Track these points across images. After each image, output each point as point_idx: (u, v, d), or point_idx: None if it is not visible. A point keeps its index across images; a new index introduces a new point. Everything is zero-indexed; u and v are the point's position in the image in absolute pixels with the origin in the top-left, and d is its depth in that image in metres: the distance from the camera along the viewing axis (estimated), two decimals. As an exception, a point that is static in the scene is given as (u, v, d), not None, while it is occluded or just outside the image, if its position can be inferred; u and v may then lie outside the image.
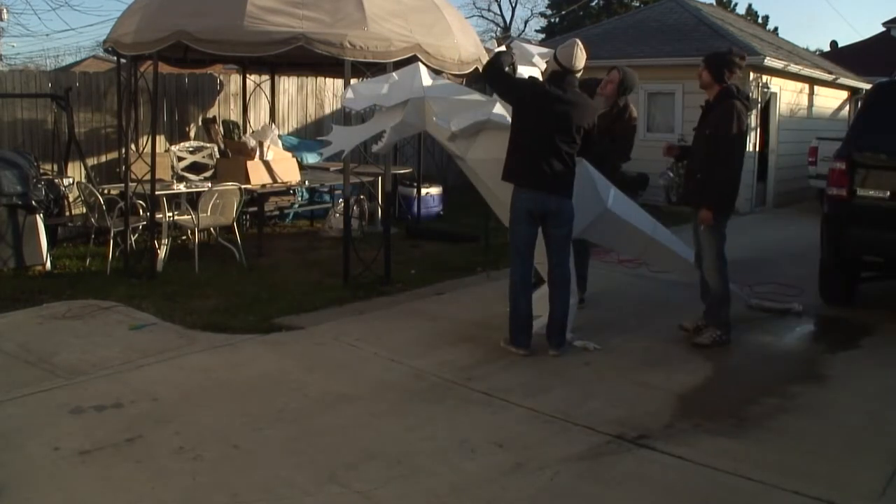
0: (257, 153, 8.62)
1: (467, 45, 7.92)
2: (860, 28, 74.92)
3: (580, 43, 4.98)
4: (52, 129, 8.75)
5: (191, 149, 9.47)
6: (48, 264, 7.20)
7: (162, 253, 7.33)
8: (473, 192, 5.87)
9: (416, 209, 10.31)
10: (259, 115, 10.98)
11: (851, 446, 3.95)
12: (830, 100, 16.16)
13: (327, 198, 10.56)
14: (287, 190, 9.20)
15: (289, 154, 9.36)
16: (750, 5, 36.93)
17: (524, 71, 5.44)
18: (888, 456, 3.82)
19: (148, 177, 7.06)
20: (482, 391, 4.49)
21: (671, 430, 4.05)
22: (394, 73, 5.59)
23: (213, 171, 9.07)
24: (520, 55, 5.52)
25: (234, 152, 9.07)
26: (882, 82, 6.97)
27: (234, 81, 10.82)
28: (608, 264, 7.87)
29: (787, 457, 3.77)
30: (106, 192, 7.62)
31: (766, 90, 12.68)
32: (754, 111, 12.01)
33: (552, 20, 32.64)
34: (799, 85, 14.33)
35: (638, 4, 27.43)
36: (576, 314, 5.44)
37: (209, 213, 7.51)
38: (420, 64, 5.76)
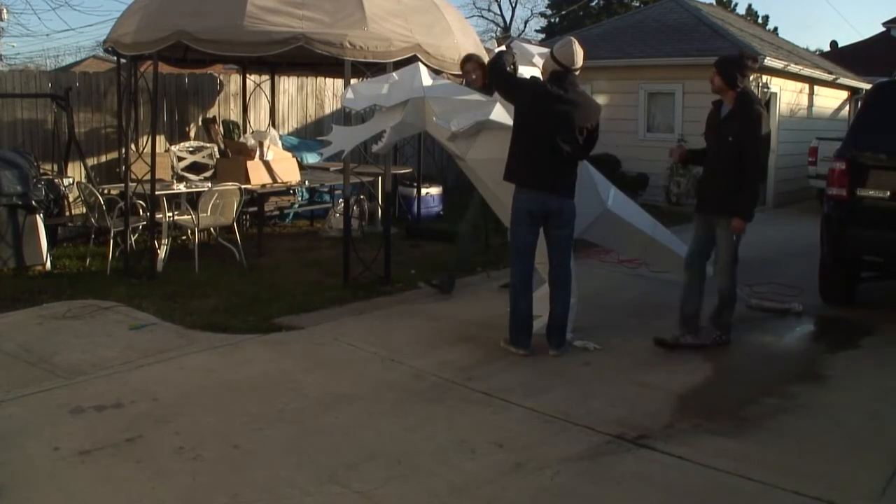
0: (257, 153, 8.62)
1: (467, 45, 7.92)
2: (860, 28, 74.95)
3: (577, 41, 4.98)
4: (52, 129, 8.75)
5: (191, 149, 9.47)
6: (48, 264, 7.20)
7: (162, 253, 7.33)
8: (473, 192, 5.87)
9: (416, 209, 10.31)
10: (259, 115, 10.99)
11: (851, 446, 3.95)
12: (830, 100, 16.17)
13: (327, 198, 10.56)
14: (287, 190, 9.20)
15: (289, 154, 9.36)
16: (750, 5, 36.98)
17: (524, 71, 5.44)
18: (888, 456, 3.82)
19: (148, 177, 7.06)
20: (482, 391, 4.49)
21: (671, 430, 4.05)
22: (394, 73, 5.60)
23: (213, 171, 9.07)
24: (520, 55, 5.52)
25: (234, 152, 9.07)
26: (882, 82, 6.97)
27: (234, 81, 10.82)
28: (608, 264, 7.87)
29: (786, 457, 3.77)
30: (106, 192, 7.62)
31: (766, 90, 12.68)
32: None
33: (552, 20, 32.64)
34: (799, 85, 14.34)
35: (638, 4, 27.43)
36: (576, 314, 5.44)
37: (209, 213, 7.51)
38: (420, 64, 5.76)
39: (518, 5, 56.24)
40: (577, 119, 4.95)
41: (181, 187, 7.82)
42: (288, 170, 8.82)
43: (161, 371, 4.70)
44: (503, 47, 5.51)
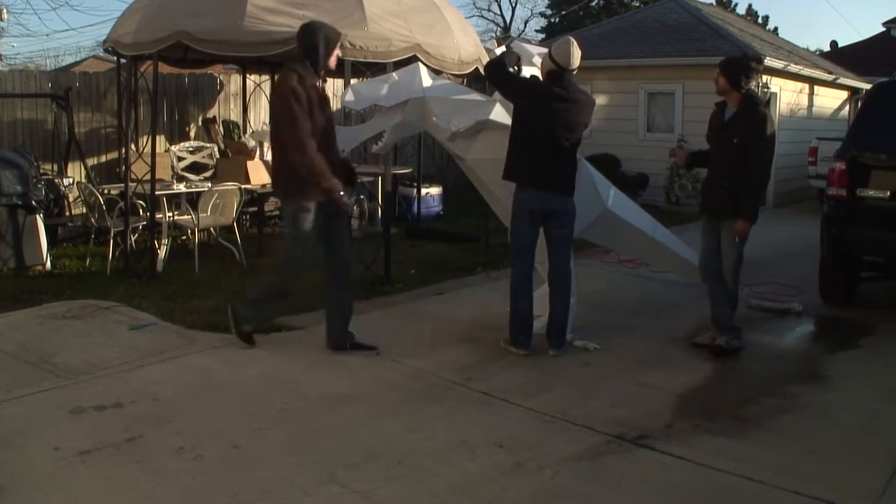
0: (257, 153, 8.63)
1: (467, 45, 7.92)
2: (860, 28, 74.98)
3: (574, 41, 4.98)
4: (52, 129, 8.75)
5: (191, 149, 9.48)
6: (48, 264, 7.20)
7: (162, 253, 7.33)
8: (473, 192, 5.88)
9: (416, 209, 10.31)
10: (259, 115, 10.98)
11: (851, 446, 3.95)
12: (830, 100, 16.17)
13: (327, 198, 10.54)
14: (287, 190, 9.18)
15: (289, 154, 9.35)
16: (750, 5, 36.99)
17: (525, 71, 5.43)
18: (888, 456, 3.82)
19: (148, 177, 7.06)
20: (482, 391, 4.49)
21: (671, 430, 4.05)
22: (394, 73, 5.60)
23: (213, 171, 9.07)
24: (519, 55, 5.52)
25: (234, 152, 9.08)
26: (882, 82, 6.97)
27: (234, 81, 10.83)
28: (608, 264, 7.87)
29: (786, 457, 3.77)
30: (106, 192, 7.62)
31: (766, 90, 12.69)
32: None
33: (552, 20, 32.63)
34: (799, 85, 14.34)
35: (638, 4, 27.43)
36: (576, 314, 5.43)
37: (209, 213, 7.51)
38: (420, 64, 5.76)
39: (518, 5, 56.26)
40: (575, 116, 4.96)
41: (181, 187, 7.82)
42: (288, 170, 8.81)
43: (161, 371, 4.70)
44: (504, 47, 5.50)
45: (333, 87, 11.83)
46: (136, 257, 7.37)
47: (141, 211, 7.70)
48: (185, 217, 7.52)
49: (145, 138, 7.89)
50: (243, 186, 7.80)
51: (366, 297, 6.47)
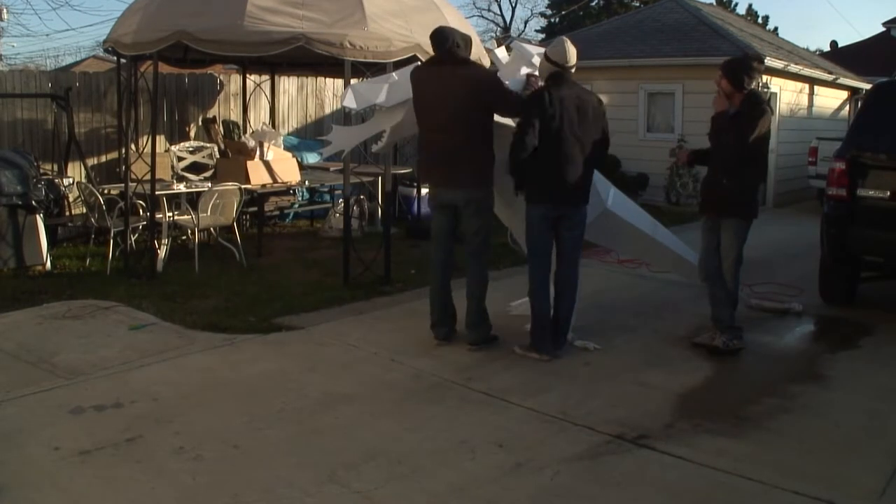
0: (257, 153, 8.63)
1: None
2: (860, 28, 74.99)
3: (567, 39, 4.99)
4: (52, 129, 8.75)
5: (191, 149, 9.48)
6: (48, 264, 7.20)
7: (162, 253, 7.33)
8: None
9: (416, 209, 10.31)
10: (259, 115, 10.99)
11: (851, 446, 3.95)
12: (830, 100, 16.17)
13: (327, 198, 10.57)
14: (287, 190, 9.21)
15: (289, 154, 9.37)
16: (750, 5, 36.98)
17: (523, 71, 5.42)
18: (888, 456, 3.82)
19: (148, 177, 7.06)
20: (482, 391, 4.49)
21: (671, 430, 4.05)
22: (393, 73, 5.59)
23: (213, 171, 9.07)
24: (519, 56, 5.51)
25: (234, 152, 9.08)
26: (882, 82, 6.97)
27: (234, 81, 10.83)
28: (608, 264, 7.87)
29: (786, 457, 3.77)
30: (106, 192, 7.62)
31: (765, 90, 12.69)
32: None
33: (552, 20, 32.63)
34: (799, 85, 14.34)
35: (638, 4, 27.42)
36: (576, 314, 5.43)
37: (209, 213, 7.51)
38: (420, 64, 5.75)
39: (518, 5, 56.25)
40: (580, 120, 4.90)
41: (181, 187, 7.82)
42: (288, 170, 8.83)
43: (161, 371, 4.70)
44: (503, 47, 5.49)
45: (333, 87, 11.87)
46: (136, 257, 7.37)
47: (141, 211, 7.70)
48: (185, 217, 7.52)
49: (145, 138, 7.89)
50: (243, 186, 7.80)
51: (366, 297, 6.47)
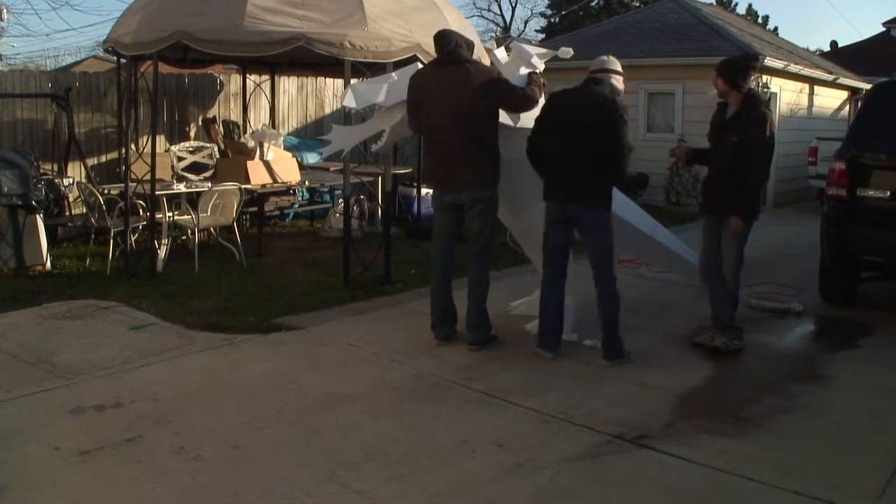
0: (257, 153, 8.63)
1: (467, 45, 7.91)
2: (860, 28, 75.03)
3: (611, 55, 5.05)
4: (52, 129, 8.76)
5: (191, 149, 9.48)
6: (48, 264, 7.20)
7: (162, 253, 7.33)
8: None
9: (416, 209, 10.31)
10: (259, 115, 10.99)
11: (851, 446, 3.95)
12: (830, 100, 16.17)
13: (327, 198, 10.57)
14: (287, 190, 9.21)
15: (289, 154, 9.37)
16: (750, 5, 37.00)
17: (524, 71, 5.42)
18: (888, 456, 3.82)
19: (148, 177, 7.06)
20: (482, 391, 4.49)
21: (671, 430, 4.05)
22: (393, 73, 5.59)
23: (213, 171, 9.07)
24: (518, 56, 5.51)
25: (234, 152, 9.08)
26: (882, 82, 6.97)
27: (234, 81, 10.83)
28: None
29: (786, 457, 3.77)
30: (106, 192, 7.62)
31: (766, 90, 12.69)
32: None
33: (552, 20, 32.64)
34: (799, 85, 14.34)
35: (638, 4, 27.42)
36: (575, 314, 5.44)
37: (209, 213, 7.51)
38: (419, 64, 5.76)
39: (518, 5, 56.26)
40: (581, 121, 4.84)
41: (181, 187, 7.82)
42: (288, 170, 8.83)
43: (161, 371, 4.70)
44: (503, 48, 5.49)
45: (333, 87, 11.87)
46: (136, 257, 7.37)
47: (141, 211, 7.70)
48: (185, 217, 7.52)
49: (145, 138, 7.89)
50: (243, 186, 7.80)
51: (366, 297, 6.47)
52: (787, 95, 13.85)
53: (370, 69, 6.58)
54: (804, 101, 14.71)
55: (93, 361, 4.81)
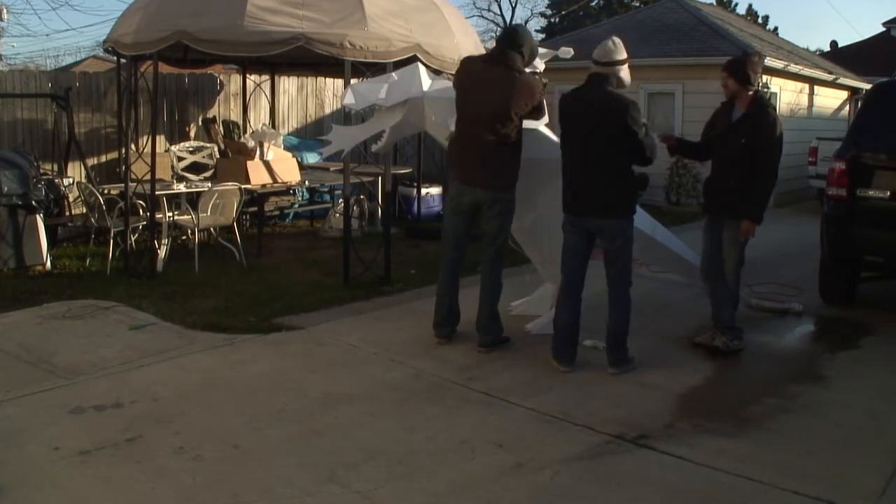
0: (257, 153, 8.63)
1: (467, 45, 7.92)
2: (860, 28, 75.04)
3: (615, 37, 4.83)
4: (52, 129, 8.76)
5: (191, 149, 9.48)
6: (48, 264, 7.20)
7: (162, 253, 7.33)
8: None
9: (416, 209, 10.31)
10: (259, 115, 10.99)
11: (851, 446, 3.95)
12: (830, 100, 16.17)
13: (327, 198, 10.57)
14: (287, 190, 9.21)
15: (289, 154, 9.37)
16: (750, 5, 37.02)
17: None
18: (888, 456, 3.82)
19: (148, 177, 7.06)
20: (482, 391, 4.49)
21: (671, 430, 4.05)
22: (393, 74, 5.60)
23: (213, 171, 9.07)
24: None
25: (234, 152, 9.08)
26: (882, 82, 6.97)
27: (234, 81, 10.83)
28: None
29: (786, 457, 3.77)
30: (106, 192, 7.62)
31: (766, 90, 12.70)
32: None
33: (552, 20, 32.66)
34: (799, 85, 14.34)
35: (638, 4, 27.43)
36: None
37: (209, 213, 7.51)
38: (419, 64, 5.76)
39: (518, 5, 56.17)
40: (594, 124, 4.67)
41: (181, 187, 7.82)
42: (288, 170, 8.83)
43: (161, 371, 4.70)
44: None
45: (333, 87, 11.87)
46: (136, 257, 7.37)
47: (141, 211, 7.70)
48: (185, 217, 7.52)
49: (145, 138, 7.89)
50: (243, 186, 7.80)
51: (366, 297, 6.47)
52: (787, 95, 13.85)
53: (370, 69, 6.58)
54: (804, 101, 14.70)
55: (93, 361, 4.81)
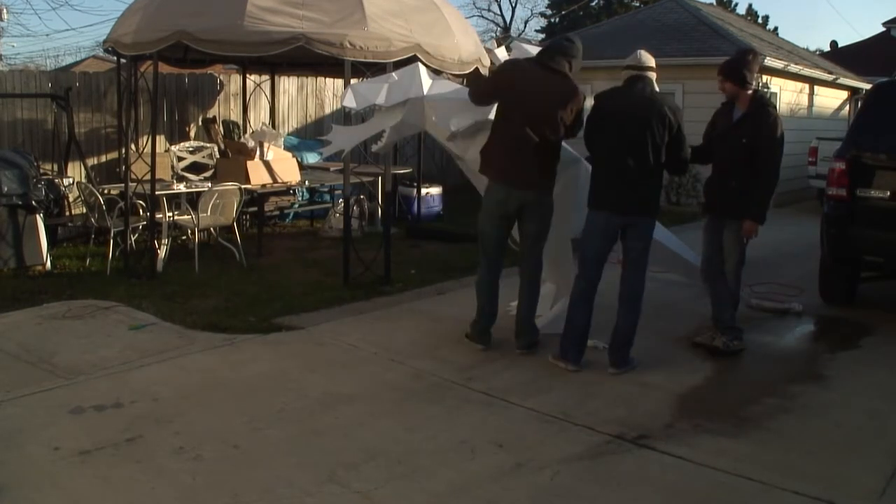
0: (257, 153, 8.63)
1: (467, 45, 7.92)
2: (860, 28, 75.05)
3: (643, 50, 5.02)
4: (52, 129, 8.76)
5: (191, 149, 9.48)
6: (48, 264, 7.20)
7: (162, 253, 7.33)
8: (473, 192, 5.87)
9: (416, 209, 10.32)
10: (259, 115, 10.99)
11: (851, 446, 3.95)
12: (830, 100, 16.17)
13: (327, 198, 10.57)
14: (287, 190, 9.21)
15: (289, 154, 9.37)
16: (750, 5, 37.02)
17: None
18: (888, 456, 3.82)
19: (148, 177, 7.06)
20: (482, 391, 4.49)
21: (671, 430, 4.05)
22: (393, 74, 5.59)
23: (213, 171, 9.07)
24: (519, 56, 5.52)
25: (234, 152, 9.08)
26: (882, 82, 6.97)
27: (234, 81, 10.83)
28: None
29: (787, 457, 3.77)
30: (106, 192, 7.62)
31: (765, 90, 12.69)
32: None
33: (552, 20, 32.64)
34: (799, 85, 14.34)
35: (638, 4, 27.43)
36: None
37: (209, 213, 7.51)
38: (420, 64, 5.76)
39: (518, 5, 56.29)
40: (637, 129, 4.69)
41: (181, 187, 7.82)
42: (288, 170, 8.83)
43: (161, 371, 4.70)
44: (504, 48, 5.47)
45: (333, 87, 11.87)
46: (136, 257, 7.37)
47: (141, 211, 7.70)
48: (185, 217, 7.52)
49: (145, 138, 7.89)
50: (243, 186, 7.80)
51: (366, 297, 6.47)
52: (787, 95, 13.84)
53: (370, 69, 6.58)
54: (804, 101, 14.70)
55: (93, 361, 4.81)
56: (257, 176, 8.38)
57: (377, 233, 8.54)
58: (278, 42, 6.54)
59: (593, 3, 30.70)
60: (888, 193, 6.01)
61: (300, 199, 10.29)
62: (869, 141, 6.26)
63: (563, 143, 5.12)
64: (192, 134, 10.24)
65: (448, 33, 7.61)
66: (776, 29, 33.06)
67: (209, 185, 7.95)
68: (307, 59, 7.89)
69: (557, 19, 31.82)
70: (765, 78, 12.69)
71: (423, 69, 5.54)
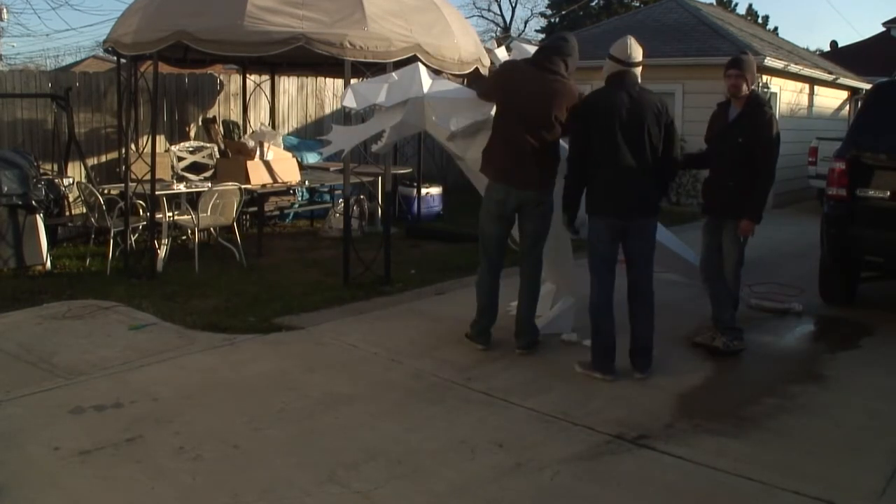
0: (257, 153, 8.63)
1: (467, 45, 7.92)
2: (860, 28, 75.05)
3: (631, 37, 4.84)
4: (52, 129, 8.76)
5: (191, 149, 9.48)
6: (48, 264, 7.20)
7: (162, 253, 7.33)
8: (473, 192, 5.87)
9: (416, 209, 10.32)
10: (259, 115, 10.99)
11: (851, 446, 3.95)
12: (830, 100, 16.17)
13: (327, 198, 10.57)
14: (287, 190, 9.21)
15: (289, 154, 9.38)
16: (750, 5, 37.03)
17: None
18: (888, 456, 3.82)
19: (148, 177, 7.06)
20: (482, 391, 4.49)
21: (671, 430, 4.05)
22: (393, 74, 5.59)
23: (213, 171, 9.08)
24: (519, 56, 5.52)
25: (234, 152, 9.08)
26: (882, 82, 6.97)
27: (234, 81, 10.83)
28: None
29: (787, 457, 3.77)
30: (106, 192, 7.62)
31: (765, 90, 12.69)
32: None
33: (552, 20, 32.64)
34: (799, 85, 14.34)
35: (638, 4, 27.43)
36: (575, 314, 5.44)
37: (209, 213, 7.51)
38: (420, 64, 5.76)
39: (518, 5, 56.31)
40: (637, 126, 4.62)
41: (181, 187, 7.82)
42: (288, 170, 8.83)
43: (161, 371, 4.70)
44: (503, 48, 5.47)
45: (333, 87, 11.87)
46: (136, 257, 7.37)
47: (141, 211, 7.70)
48: (185, 217, 7.52)
49: (145, 138, 7.89)
50: (243, 186, 7.80)
51: (366, 297, 6.47)
52: (787, 95, 13.84)
53: (370, 69, 6.58)
54: (804, 101, 14.70)
55: (93, 361, 4.81)
56: (257, 176, 8.38)
57: (377, 233, 8.54)
58: (278, 42, 6.54)
59: (593, 3, 30.70)
60: (888, 193, 6.01)
61: (300, 199, 10.29)
62: (869, 141, 6.26)
63: (562, 143, 5.12)
64: (192, 134, 10.24)
65: (448, 33, 7.61)
66: (776, 29, 33.10)
67: (209, 185, 7.95)
68: (307, 59, 7.89)
69: (557, 19, 31.82)
70: (765, 78, 12.69)
71: (423, 69, 5.53)
